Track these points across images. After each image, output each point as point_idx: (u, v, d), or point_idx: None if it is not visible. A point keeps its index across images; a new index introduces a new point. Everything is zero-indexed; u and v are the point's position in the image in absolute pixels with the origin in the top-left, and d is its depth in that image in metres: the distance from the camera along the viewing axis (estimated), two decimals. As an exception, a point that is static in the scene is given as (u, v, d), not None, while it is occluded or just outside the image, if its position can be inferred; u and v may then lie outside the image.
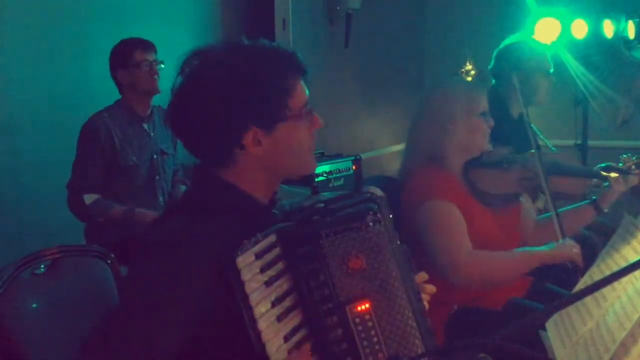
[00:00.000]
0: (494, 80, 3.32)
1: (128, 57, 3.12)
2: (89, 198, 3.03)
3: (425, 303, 1.55)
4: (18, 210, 3.34)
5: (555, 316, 1.62)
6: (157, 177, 3.23)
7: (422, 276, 1.59)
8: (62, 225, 3.25)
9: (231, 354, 1.34)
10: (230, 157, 1.46)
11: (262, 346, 1.29)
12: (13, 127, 3.38)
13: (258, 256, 1.32)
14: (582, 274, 1.98)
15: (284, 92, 1.45)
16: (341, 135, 4.84)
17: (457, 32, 5.49)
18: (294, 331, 1.34)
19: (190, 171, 1.59)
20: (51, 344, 1.74)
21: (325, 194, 1.58)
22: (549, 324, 1.62)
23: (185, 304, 1.33)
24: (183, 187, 3.37)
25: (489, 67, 3.34)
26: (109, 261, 1.99)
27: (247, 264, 1.30)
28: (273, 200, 1.55)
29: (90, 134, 3.07)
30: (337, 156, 4.33)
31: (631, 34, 4.67)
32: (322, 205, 1.44)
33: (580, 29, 4.64)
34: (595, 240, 3.07)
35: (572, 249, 2.29)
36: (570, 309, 1.58)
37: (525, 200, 2.64)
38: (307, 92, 1.52)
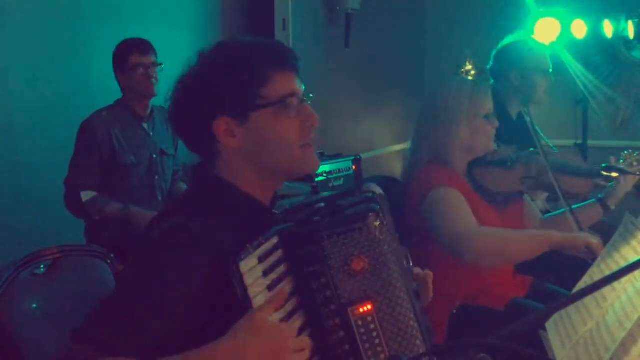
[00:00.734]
0: (492, 80, 3.32)
1: (125, 60, 3.12)
2: (85, 195, 3.04)
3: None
4: (18, 210, 3.34)
5: (555, 316, 1.62)
6: (156, 177, 3.23)
7: (423, 273, 1.58)
8: (62, 225, 3.25)
9: None
10: (211, 149, 1.46)
11: None
12: (13, 127, 3.38)
13: (261, 259, 1.31)
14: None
15: (255, 81, 1.43)
16: (341, 135, 4.84)
17: (457, 32, 5.49)
18: (297, 334, 1.33)
19: (190, 170, 1.59)
20: (51, 344, 1.74)
21: (325, 193, 1.57)
22: (549, 324, 1.63)
23: (179, 298, 1.31)
24: (184, 186, 3.37)
25: (488, 66, 3.35)
26: (109, 261, 1.99)
27: (250, 267, 1.29)
28: (274, 201, 1.54)
29: (87, 132, 3.08)
30: (337, 156, 4.32)
31: (631, 34, 4.68)
32: (323, 205, 1.44)
33: (580, 29, 4.64)
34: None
35: (592, 238, 2.19)
36: (570, 309, 1.58)
37: (529, 199, 2.64)
38: (298, 85, 1.48)
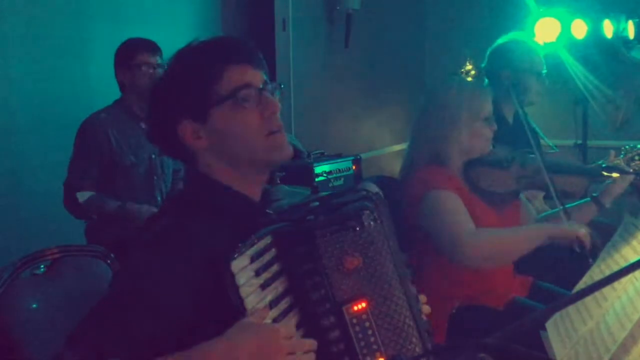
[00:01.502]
0: (487, 80, 3.31)
1: (131, 57, 3.11)
2: (82, 196, 3.04)
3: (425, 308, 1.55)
4: (18, 210, 3.34)
5: (555, 316, 1.62)
6: (155, 177, 3.23)
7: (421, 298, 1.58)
8: (62, 225, 3.25)
9: None
10: (186, 153, 1.47)
11: None
12: (13, 127, 3.38)
13: (253, 259, 1.31)
14: (592, 258, 1.97)
15: (207, 79, 1.43)
16: (341, 135, 4.84)
17: (457, 32, 5.49)
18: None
19: (184, 171, 1.60)
20: (51, 343, 1.74)
21: (323, 194, 1.57)
22: (549, 324, 1.62)
23: (171, 299, 1.31)
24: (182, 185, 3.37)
25: (482, 66, 3.34)
26: (109, 261, 1.99)
27: (242, 267, 1.28)
28: (266, 198, 1.53)
29: (86, 133, 3.08)
30: (337, 156, 4.33)
31: (631, 34, 4.68)
32: (317, 203, 1.44)
33: (580, 29, 4.64)
34: (596, 240, 3.06)
35: (580, 228, 2.25)
36: (570, 309, 1.58)
37: (524, 198, 2.64)
38: (254, 76, 1.46)
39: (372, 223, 1.36)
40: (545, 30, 4.56)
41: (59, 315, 1.80)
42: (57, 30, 3.53)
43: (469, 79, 3.27)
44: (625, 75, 4.89)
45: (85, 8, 3.67)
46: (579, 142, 4.55)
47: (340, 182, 4.20)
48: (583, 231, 2.24)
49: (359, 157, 4.41)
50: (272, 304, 1.32)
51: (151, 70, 3.11)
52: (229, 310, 1.28)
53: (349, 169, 4.32)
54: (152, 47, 3.14)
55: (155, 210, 2.89)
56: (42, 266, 1.86)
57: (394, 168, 5.32)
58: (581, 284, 1.80)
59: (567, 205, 2.45)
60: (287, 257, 1.35)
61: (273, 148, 1.47)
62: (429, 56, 5.79)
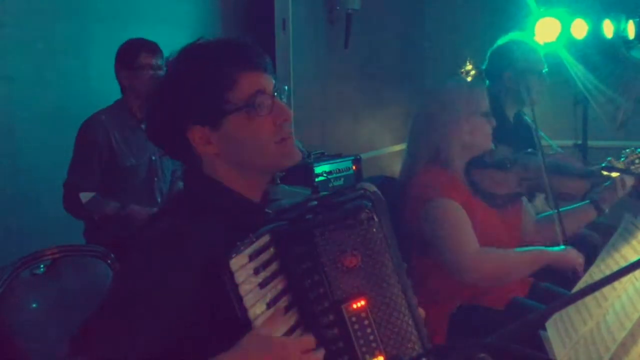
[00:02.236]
0: (487, 81, 3.32)
1: (133, 58, 3.11)
2: (85, 196, 3.04)
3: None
4: (18, 210, 3.34)
5: (555, 316, 1.62)
6: (155, 179, 3.23)
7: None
8: (62, 225, 3.25)
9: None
10: (192, 156, 1.46)
11: None
12: (13, 126, 3.38)
13: (252, 257, 1.31)
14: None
15: (220, 86, 1.42)
16: (341, 135, 4.84)
17: (457, 32, 5.50)
18: (290, 331, 1.33)
19: (183, 172, 1.58)
20: (51, 343, 1.74)
21: (323, 193, 1.57)
22: (549, 324, 1.62)
23: (172, 302, 1.31)
24: (182, 185, 3.36)
25: (483, 67, 3.34)
26: (109, 261, 1.99)
27: (241, 265, 1.28)
28: (266, 198, 1.53)
29: (87, 134, 3.07)
30: (337, 156, 4.33)
31: (631, 34, 4.67)
32: (315, 203, 1.43)
33: (580, 28, 4.64)
34: (596, 240, 3.07)
35: (577, 258, 2.33)
36: (570, 309, 1.58)
37: (525, 199, 2.64)
38: (266, 82, 1.45)
39: (371, 221, 1.36)
40: (545, 30, 4.56)
41: (59, 315, 1.80)
42: (57, 30, 3.52)
43: (469, 78, 3.28)
44: (625, 75, 4.89)
45: (85, 8, 3.67)
46: (579, 142, 4.55)
47: (340, 182, 4.20)
48: (580, 261, 2.32)
49: (359, 157, 4.41)
50: (271, 303, 1.31)
51: (152, 72, 3.10)
52: (228, 309, 1.28)
53: (349, 169, 4.32)
54: (153, 49, 3.13)
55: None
56: (42, 266, 1.86)
57: (394, 168, 5.33)
58: (581, 284, 1.80)
59: (566, 208, 2.46)
60: (285, 256, 1.35)
61: (284, 155, 1.47)
62: (428, 56, 5.79)
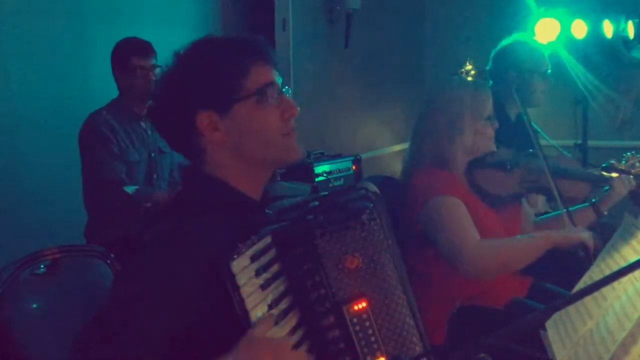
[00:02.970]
0: (491, 82, 3.32)
1: (125, 60, 3.11)
2: (131, 189, 3.01)
3: None
4: (18, 210, 3.34)
5: (555, 316, 1.62)
6: (155, 176, 3.23)
7: None
8: (62, 225, 3.26)
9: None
10: (195, 146, 1.46)
11: None
12: (13, 127, 3.38)
13: (253, 259, 1.31)
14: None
15: (234, 73, 1.44)
16: (341, 135, 4.84)
17: (457, 32, 5.50)
18: (291, 333, 1.33)
19: (182, 170, 1.58)
20: (51, 344, 1.74)
21: (323, 193, 1.57)
22: (549, 324, 1.62)
23: (174, 305, 1.31)
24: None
25: (487, 67, 3.35)
26: (109, 261, 1.99)
27: (242, 267, 1.28)
28: (265, 196, 1.53)
29: (96, 131, 3.06)
30: (337, 156, 4.33)
31: (631, 34, 4.68)
32: (317, 203, 1.43)
33: (580, 29, 4.64)
34: (596, 240, 3.07)
35: (583, 233, 2.27)
36: (570, 309, 1.58)
37: (524, 201, 2.64)
38: (275, 77, 1.48)
39: (372, 222, 1.36)
40: (545, 31, 4.56)
41: (59, 315, 1.80)
42: (57, 30, 3.52)
43: (469, 78, 3.28)
44: (625, 75, 4.90)
45: (85, 8, 3.67)
46: (579, 142, 4.55)
47: (340, 182, 4.20)
48: (586, 235, 2.25)
49: (359, 157, 4.41)
50: (273, 305, 1.31)
51: (146, 73, 3.10)
52: (230, 311, 1.28)
53: (349, 169, 4.32)
54: (145, 50, 3.13)
55: None
56: (42, 266, 1.86)
57: (394, 168, 5.33)
58: (581, 284, 1.80)
59: (561, 211, 2.46)
60: (287, 257, 1.35)
61: (288, 148, 1.49)
62: (429, 56, 5.79)
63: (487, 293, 2.33)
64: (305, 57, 4.60)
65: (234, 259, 1.27)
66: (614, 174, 2.56)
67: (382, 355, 1.34)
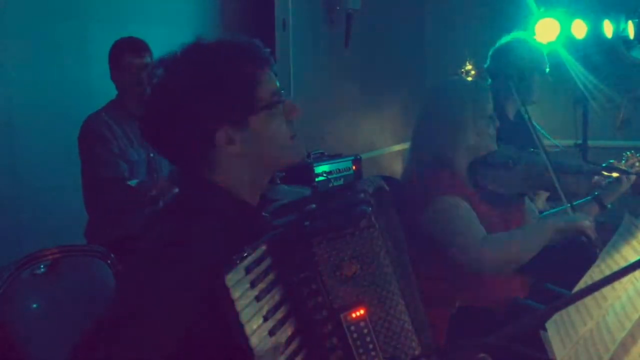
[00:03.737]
0: (490, 80, 3.32)
1: (119, 59, 3.11)
2: (134, 182, 3.01)
3: None
4: (18, 210, 3.34)
5: (555, 316, 1.62)
6: (155, 176, 3.23)
7: None
8: (62, 225, 3.25)
9: None
10: (208, 158, 1.44)
11: None
12: (13, 127, 3.38)
13: (248, 270, 1.28)
14: (599, 248, 1.97)
15: (248, 85, 1.43)
16: (341, 135, 4.84)
17: (457, 32, 5.50)
18: (288, 342, 1.31)
19: (177, 174, 1.56)
20: (51, 344, 1.74)
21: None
22: (549, 324, 1.62)
23: (170, 316, 1.30)
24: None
25: (485, 66, 3.34)
26: (109, 261, 1.99)
27: (237, 280, 1.25)
28: (263, 200, 1.53)
29: (95, 131, 3.06)
30: (337, 156, 4.33)
31: (631, 34, 4.68)
32: (314, 206, 1.41)
33: (579, 29, 4.65)
34: (596, 239, 3.06)
35: (584, 219, 2.28)
36: (570, 309, 1.58)
37: (527, 199, 2.64)
38: (276, 81, 1.49)
39: (370, 228, 1.34)
40: (545, 31, 4.56)
41: (59, 315, 1.80)
42: (57, 30, 3.52)
43: (469, 78, 3.28)
44: (625, 75, 4.90)
45: (85, 8, 3.67)
46: (579, 142, 4.55)
47: (340, 182, 4.20)
48: (588, 222, 2.26)
49: (359, 157, 4.41)
50: (268, 315, 1.29)
51: (139, 71, 3.10)
52: (225, 325, 1.26)
53: (349, 169, 4.32)
54: (138, 48, 3.12)
55: None
56: (42, 266, 1.86)
57: (394, 168, 5.33)
58: (581, 284, 1.80)
59: (565, 206, 2.46)
60: (283, 266, 1.33)
61: (296, 151, 1.51)
62: (429, 56, 5.79)
63: (487, 293, 2.33)
64: (305, 57, 4.60)
65: (228, 272, 1.24)
66: (614, 174, 2.56)
67: (386, 359, 1.33)
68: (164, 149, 1.51)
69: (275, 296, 1.32)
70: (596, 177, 2.61)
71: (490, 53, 3.29)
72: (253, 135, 1.43)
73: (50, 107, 3.48)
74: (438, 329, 2.26)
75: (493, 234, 2.25)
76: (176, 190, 2.04)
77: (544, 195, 3.10)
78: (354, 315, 1.33)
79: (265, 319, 1.29)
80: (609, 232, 1.92)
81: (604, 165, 2.61)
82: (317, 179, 3.98)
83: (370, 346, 1.33)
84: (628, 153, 2.63)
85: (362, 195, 1.42)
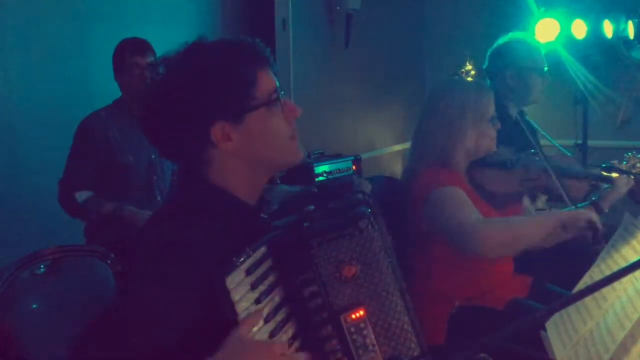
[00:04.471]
0: (488, 80, 3.32)
1: (122, 59, 3.12)
2: (81, 195, 3.03)
3: None
4: (18, 210, 3.34)
5: (555, 316, 1.62)
6: (155, 177, 3.22)
7: None
8: (62, 225, 3.25)
9: None
10: (206, 156, 1.44)
11: None
12: (13, 127, 3.38)
13: (248, 272, 1.28)
14: (605, 241, 1.96)
15: (245, 82, 1.43)
16: (341, 135, 4.84)
17: (457, 32, 5.50)
18: (288, 344, 1.31)
19: (177, 174, 1.56)
20: (51, 343, 1.74)
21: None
22: (549, 324, 1.63)
23: (171, 315, 1.31)
24: None
25: (484, 66, 3.34)
26: (109, 261, 1.99)
27: (237, 282, 1.26)
28: (261, 200, 1.53)
29: (84, 132, 3.08)
30: (337, 156, 4.34)
31: (631, 34, 4.68)
32: (312, 207, 1.41)
33: (580, 29, 4.64)
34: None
35: (589, 212, 2.23)
36: (570, 309, 1.58)
37: (525, 200, 2.64)
38: (276, 81, 1.48)
39: (370, 229, 1.34)
40: (545, 31, 4.56)
41: (59, 315, 1.81)
42: (57, 30, 3.52)
43: (469, 79, 3.27)
44: (625, 75, 4.90)
45: (85, 8, 3.67)
46: (579, 142, 4.55)
47: (340, 182, 4.20)
48: (593, 215, 2.20)
49: (359, 157, 4.42)
50: (268, 317, 1.29)
51: (142, 71, 3.10)
52: (225, 327, 1.26)
53: (349, 169, 4.33)
54: (141, 48, 3.13)
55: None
56: (42, 266, 1.86)
57: (394, 168, 5.34)
58: (581, 284, 1.80)
59: (566, 209, 2.46)
60: (283, 267, 1.33)
61: (294, 152, 1.50)
62: (429, 56, 5.79)
63: (487, 293, 2.33)
64: (305, 57, 4.60)
65: (228, 274, 1.25)
66: (614, 174, 2.56)
67: (385, 359, 1.33)
68: (163, 147, 1.52)
69: (275, 298, 1.32)
70: (595, 181, 2.61)
71: (487, 54, 3.29)
72: (250, 132, 1.43)
73: (50, 107, 3.48)
74: (438, 329, 2.27)
75: (492, 217, 2.24)
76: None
77: (543, 197, 3.11)
78: (353, 316, 1.33)
79: (266, 321, 1.29)
80: (609, 232, 1.93)
81: (603, 165, 2.61)
82: (317, 179, 3.99)
83: (370, 347, 1.33)
84: (629, 154, 2.63)
85: (360, 196, 1.41)
